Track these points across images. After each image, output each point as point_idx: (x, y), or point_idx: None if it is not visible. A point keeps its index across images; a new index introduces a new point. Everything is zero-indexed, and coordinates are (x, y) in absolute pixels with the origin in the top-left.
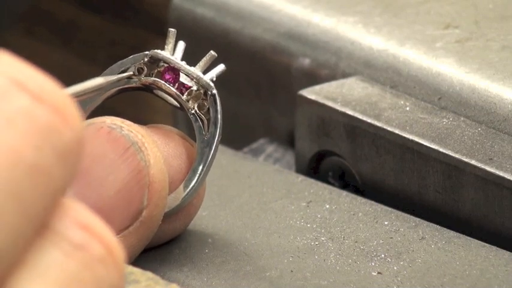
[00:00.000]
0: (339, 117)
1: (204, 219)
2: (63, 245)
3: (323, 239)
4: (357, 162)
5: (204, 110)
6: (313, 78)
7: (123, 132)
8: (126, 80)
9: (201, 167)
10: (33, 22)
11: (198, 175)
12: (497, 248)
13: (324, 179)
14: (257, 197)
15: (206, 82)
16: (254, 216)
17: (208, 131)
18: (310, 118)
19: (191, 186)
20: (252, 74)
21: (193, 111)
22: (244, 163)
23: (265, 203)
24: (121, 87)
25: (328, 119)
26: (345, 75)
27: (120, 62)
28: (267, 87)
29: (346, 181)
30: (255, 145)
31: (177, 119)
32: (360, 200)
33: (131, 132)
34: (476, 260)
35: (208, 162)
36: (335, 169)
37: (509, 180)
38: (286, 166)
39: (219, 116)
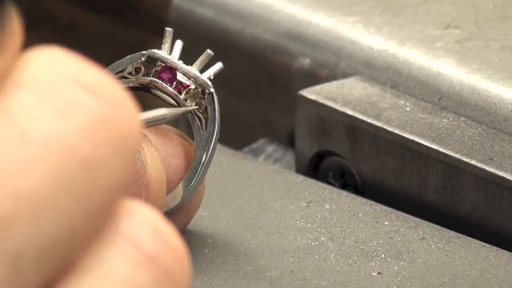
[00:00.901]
0: (339, 117)
1: (204, 219)
2: (133, 253)
3: (323, 239)
4: (357, 162)
5: (202, 109)
6: (313, 78)
7: None
8: (123, 79)
9: (200, 166)
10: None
11: (197, 174)
12: (497, 248)
13: (324, 179)
14: (257, 197)
15: (203, 81)
16: (254, 216)
17: (206, 130)
18: (310, 118)
19: (190, 185)
20: (252, 74)
21: (191, 110)
22: (244, 163)
23: (265, 203)
24: None
25: (328, 119)
26: (345, 75)
27: (118, 62)
28: (267, 87)
29: (346, 181)
30: (255, 145)
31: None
32: (360, 200)
33: None
34: (476, 260)
35: (206, 161)
36: (335, 169)
37: (509, 180)
38: (286, 166)
39: (216, 115)
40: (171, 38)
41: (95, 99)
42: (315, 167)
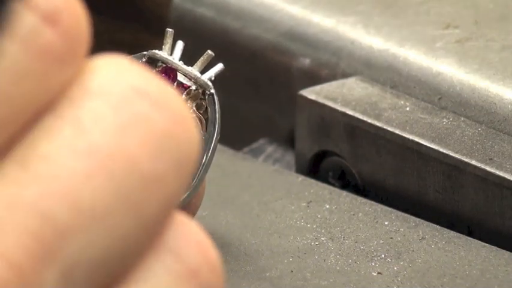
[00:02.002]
0: (339, 117)
1: (204, 219)
2: (177, 267)
3: (323, 239)
4: (357, 162)
5: (202, 110)
6: (313, 78)
7: None
8: None
9: (200, 167)
10: None
11: (197, 175)
12: (497, 248)
13: (324, 179)
14: (257, 197)
15: (204, 82)
16: (254, 216)
17: (206, 131)
18: (310, 118)
19: (191, 185)
20: (252, 74)
21: (191, 111)
22: (244, 163)
23: (265, 203)
24: None
25: (328, 119)
26: (345, 75)
27: None
28: (267, 87)
29: (346, 181)
30: (255, 145)
31: None
32: (360, 200)
33: None
34: (476, 260)
35: (207, 161)
36: (335, 169)
37: (509, 180)
38: (286, 166)
39: (217, 116)
40: (172, 39)
41: (160, 113)
42: (315, 167)
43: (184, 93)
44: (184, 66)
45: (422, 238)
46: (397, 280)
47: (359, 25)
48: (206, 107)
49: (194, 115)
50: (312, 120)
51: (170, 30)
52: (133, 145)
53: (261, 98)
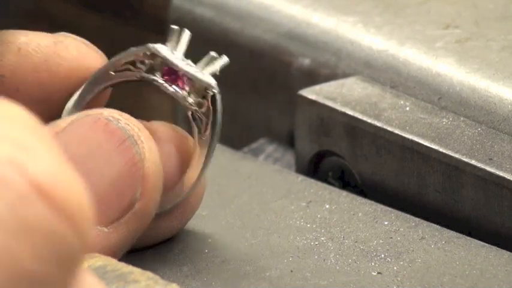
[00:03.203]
0: (339, 117)
1: (204, 219)
2: None
3: (323, 239)
4: (357, 162)
5: (204, 109)
6: (313, 78)
7: (119, 124)
8: (127, 71)
9: (200, 165)
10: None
11: (197, 173)
12: (497, 248)
13: (324, 179)
14: (257, 197)
15: (206, 82)
16: (254, 216)
17: (206, 131)
18: (310, 118)
19: (191, 184)
20: (252, 74)
21: (192, 110)
22: (244, 163)
23: (265, 203)
24: (121, 79)
25: (328, 119)
26: (345, 75)
27: (123, 53)
28: (267, 87)
29: (346, 181)
30: (254, 145)
31: (177, 116)
32: (360, 200)
33: (128, 125)
34: (476, 260)
35: (207, 160)
36: (335, 169)
37: (509, 180)
38: (286, 166)
39: (219, 116)
40: (177, 37)
41: (56, 216)
42: (315, 167)
43: (185, 92)
44: (186, 67)
45: (422, 238)
46: (397, 280)
47: (359, 25)
48: (208, 107)
49: (198, 115)
50: (312, 120)
51: (175, 27)
52: (21, 249)
53: (261, 98)
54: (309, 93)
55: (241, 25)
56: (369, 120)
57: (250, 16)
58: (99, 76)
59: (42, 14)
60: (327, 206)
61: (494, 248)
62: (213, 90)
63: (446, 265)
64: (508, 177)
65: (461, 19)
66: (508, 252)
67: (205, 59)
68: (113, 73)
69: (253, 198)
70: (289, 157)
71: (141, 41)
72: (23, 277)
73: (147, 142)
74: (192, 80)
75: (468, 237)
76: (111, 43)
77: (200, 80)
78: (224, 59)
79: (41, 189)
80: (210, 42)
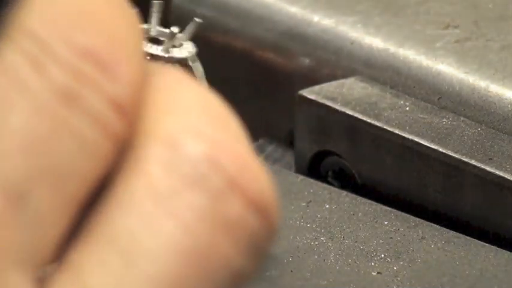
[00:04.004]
0: (339, 117)
1: None
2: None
3: (323, 238)
4: (357, 162)
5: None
6: (313, 78)
7: None
8: None
9: None
10: None
11: None
12: (497, 248)
13: (323, 179)
14: None
15: (175, 58)
16: None
17: None
18: (310, 118)
19: None
20: (251, 74)
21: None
22: None
23: None
24: None
25: (328, 119)
26: (345, 75)
27: None
28: (267, 87)
29: (345, 181)
30: (254, 145)
31: None
32: (360, 200)
33: None
34: (476, 260)
35: None
36: (335, 169)
37: (509, 180)
38: (286, 166)
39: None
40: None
41: (254, 214)
42: (315, 167)
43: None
44: (150, 49)
45: (422, 238)
46: (397, 280)
47: (359, 25)
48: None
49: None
50: (312, 120)
51: (156, 2)
52: (228, 246)
53: (261, 98)
54: (309, 93)
55: (241, 25)
56: (369, 120)
57: (250, 15)
58: None
59: None
60: (327, 206)
61: (494, 248)
62: (189, 63)
63: (446, 265)
64: (508, 177)
65: (460, 19)
66: (508, 252)
67: (189, 27)
68: None
69: None
70: (289, 157)
71: None
72: (234, 274)
73: None
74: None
75: (468, 237)
76: None
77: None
78: (194, 22)
79: (237, 185)
80: (210, 42)
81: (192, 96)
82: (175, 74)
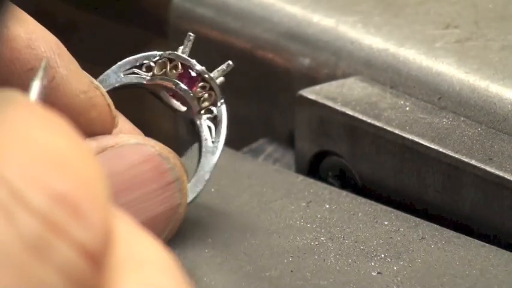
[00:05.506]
0: (339, 117)
1: (204, 219)
2: None
3: (323, 239)
4: (357, 162)
5: (212, 116)
6: (313, 78)
7: (169, 165)
8: (135, 75)
9: (207, 175)
10: None
11: (204, 181)
12: (497, 248)
13: (324, 179)
14: (257, 197)
15: (219, 92)
16: (254, 216)
17: (213, 137)
18: (310, 118)
19: (197, 191)
20: (252, 74)
21: (201, 117)
22: (244, 163)
23: (265, 203)
24: (126, 82)
25: (328, 119)
26: (345, 75)
27: (132, 57)
28: (267, 87)
29: (346, 181)
30: (254, 145)
31: (178, 120)
32: (360, 200)
33: (176, 166)
34: (476, 260)
35: (212, 168)
36: (335, 169)
37: (509, 180)
38: (286, 166)
39: (223, 126)
40: (191, 43)
41: (83, 259)
42: (315, 167)
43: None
44: (208, 73)
45: (422, 238)
46: (397, 280)
47: (359, 25)
48: (215, 115)
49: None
50: (312, 120)
51: (192, 34)
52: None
53: (261, 98)
54: (309, 93)
55: (241, 25)
56: (369, 120)
57: (250, 16)
58: (107, 77)
59: (42, 14)
60: (327, 206)
61: (494, 248)
62: (221, 101)
63: (446, 265)
64: (508, 177)
65: (461, 19)
66: (508, 252)
67: (223, 67)
68: (122, 75)
69: (253, 198)
70: (289, 157)
71: (141, 41)
72: None
73: (185, 186)
74: (206, 88)
75: (468, 237)
76: (111, 43)
77: (218, 88)
78: (228, 65)
79: (64, 232)
80: (210, 42)
81: (150, 253)
82: (129, 222)
